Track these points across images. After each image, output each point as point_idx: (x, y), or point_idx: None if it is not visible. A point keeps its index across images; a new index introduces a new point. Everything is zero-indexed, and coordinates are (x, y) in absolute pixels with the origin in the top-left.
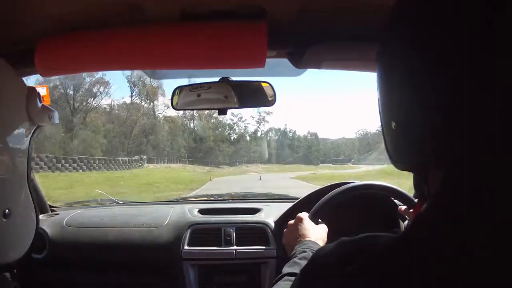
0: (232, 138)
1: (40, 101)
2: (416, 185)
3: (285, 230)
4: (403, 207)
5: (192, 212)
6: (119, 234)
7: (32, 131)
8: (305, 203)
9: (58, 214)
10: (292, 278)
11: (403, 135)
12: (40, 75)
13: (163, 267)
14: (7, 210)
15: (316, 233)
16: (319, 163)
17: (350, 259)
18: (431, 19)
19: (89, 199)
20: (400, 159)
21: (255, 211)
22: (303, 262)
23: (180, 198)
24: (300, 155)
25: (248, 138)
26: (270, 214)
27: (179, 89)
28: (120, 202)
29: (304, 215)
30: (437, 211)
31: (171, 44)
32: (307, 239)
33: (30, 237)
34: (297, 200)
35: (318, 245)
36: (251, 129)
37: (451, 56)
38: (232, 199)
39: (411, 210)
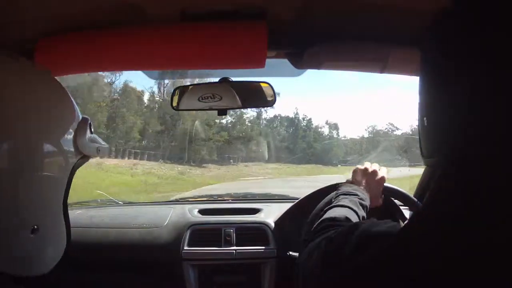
0: (224, 122)
1: (91, 132)
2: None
3: (359, 170)
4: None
5: (192, 213)
6: (119, 235)
7: (78, 158)
8: (305, 203)
9: None
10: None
11: (432, 130)
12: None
13: (163, 267)
14: (36, 226)
15: (375, 195)
16: (337, 163)
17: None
18: (470, 36)
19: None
20: (429, 155)
21: (255, 211)
22: (357, 202)
23: (180, 198)
24: (318, 151)
25: (248, 124)
26: (270, 214)
27: (179, 89)
28: (120, 202)
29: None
30: (437, 208)
31: (171, 45)
32: (359, 186)
33: (58, 255)
34: (297, 200)
35: (363, 192)
36: (251, 114)
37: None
38: (232, 199)
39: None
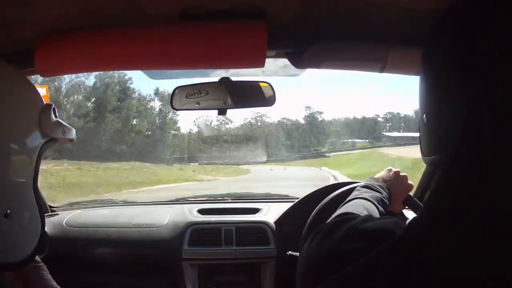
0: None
1: (56, 116)
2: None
3: (387, 170)
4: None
5: (192, 212)
6: (119, 234)
7: (44, 141)
8: (305, 203)
9: (58, 214)
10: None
11: (432, 128)
12: (40, 75)
13: (163, 267)
14: (8, 211)
15: (398, 193)
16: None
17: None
18: (472, 36)
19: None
20: (430, 153)
21: (255, 211)
22: (378, 197)
23: (180, 198)
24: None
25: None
26: (270, 214)
27: (179, 89)
28: (120, 202)
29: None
30: (437, 209)
31: (171, 44)
32: (394, 190)
33: (35, 238)
34: (297, 200)
35: (386, 191)
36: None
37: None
38: (231, 199)
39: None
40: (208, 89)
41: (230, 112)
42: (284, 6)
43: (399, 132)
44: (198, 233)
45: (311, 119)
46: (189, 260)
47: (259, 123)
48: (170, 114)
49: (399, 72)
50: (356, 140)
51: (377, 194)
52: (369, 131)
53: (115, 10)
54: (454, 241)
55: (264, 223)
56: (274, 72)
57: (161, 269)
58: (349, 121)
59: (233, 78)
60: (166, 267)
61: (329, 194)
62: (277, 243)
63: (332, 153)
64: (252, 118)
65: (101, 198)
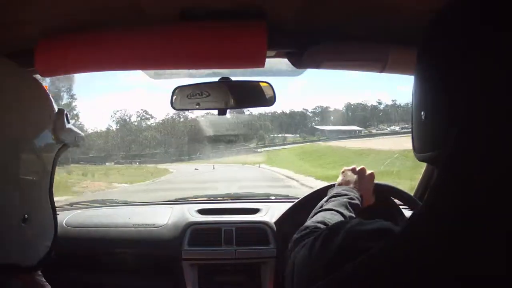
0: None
1: (68, 122)
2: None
3: (342, 173)
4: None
5: (192, 212)
6: (119, 234)
7: (59, 146)
8: (305, 203)
9: (58, 214)
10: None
11: (429, 125)
12: (40, 75)
13: (163, 267)
14: (26, 215)
15: (359, 183)
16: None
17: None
18: (468, 34)
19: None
20: (423, 149)
21: (254, 211)
22: (346, 204)
23: (180, 198)
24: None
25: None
26: (270, 214)
27: (179, 89)
28: (120, 202)
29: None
30: (437, 207)
31: (171, 44)
32: (349, 186)
33: (49, 242)
34: (297, 200)
35: (353, 191)
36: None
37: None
38: (231, 199)
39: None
40: (208, 89)
41: (152, 107)
42: (284, 6)
43: (329, 126)
44: (198, 233)
45: (237, 113)
46: (189, 260)
47: (181, 118)
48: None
49: (400, 72)
50: (286, 135)
51: (343, 199)
52: (297, 125)
53: (115, 10)
54: (453, 241)
55: (264, 223)
56: (274, 72)
57: (161, 269)
58: (277, 115)
59: (233, 78)
60: (166, 267)
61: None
62: (277, 243)
63: (263, 149)
64: (175, 113)
65: (101, 198)
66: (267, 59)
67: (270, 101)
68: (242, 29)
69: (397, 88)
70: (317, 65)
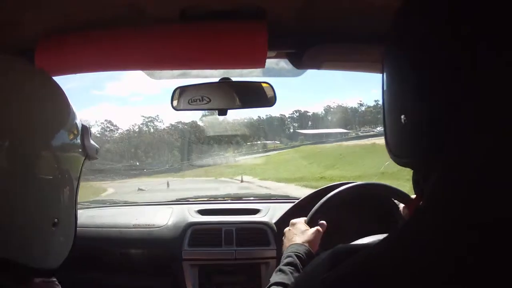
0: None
1: (91, 135)
2: (416, 181)
3: (283, 238)
4: (401, 206)
5: (192, 213)
6: (119, 235)
7: (84, 157)
8: (305, 204)
9: None
10: None
11: (411, 128)
12: None
13: (163, 267)
14: (56, 220)
15: (305, 236)
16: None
17: (341, 262)
18: (439, 20)
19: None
20: (404, 154)
21: (255, 211)
22: (287, 268)
23: (180, 199)
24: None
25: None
26: (270, 215)
27: (179, 89)
28: (120, 202)
29: (297, 220)
30: (433, 213)
31: (171, 44)
32: (295, 243)
33: (69, 246)
34: (297, 201)
35: (304, 246)
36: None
37: (457, 55)
38: (231, 200)
39: (403, 206)
40: (208, 90)
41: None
42: (285, 7)
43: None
44: (198, 234)
45: (211, 120)
46: (190, 260)
47: (150, 128)
48: None
49: None
50: (266, 141)
51: (284, 268)
52: (275, 131)
53: (115, 10)
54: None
55: (265, 224)
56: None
57: (162, 270)
58: (252, 121)
59: (234, 79)
60: (166, 267)
61: (326, 194)
62: (277, 243)
63: (241, 157)
64: (143, 124)
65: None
66: (267, 59)
67: (271, 101)
68: (243, 29)
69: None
70: (318, 65)
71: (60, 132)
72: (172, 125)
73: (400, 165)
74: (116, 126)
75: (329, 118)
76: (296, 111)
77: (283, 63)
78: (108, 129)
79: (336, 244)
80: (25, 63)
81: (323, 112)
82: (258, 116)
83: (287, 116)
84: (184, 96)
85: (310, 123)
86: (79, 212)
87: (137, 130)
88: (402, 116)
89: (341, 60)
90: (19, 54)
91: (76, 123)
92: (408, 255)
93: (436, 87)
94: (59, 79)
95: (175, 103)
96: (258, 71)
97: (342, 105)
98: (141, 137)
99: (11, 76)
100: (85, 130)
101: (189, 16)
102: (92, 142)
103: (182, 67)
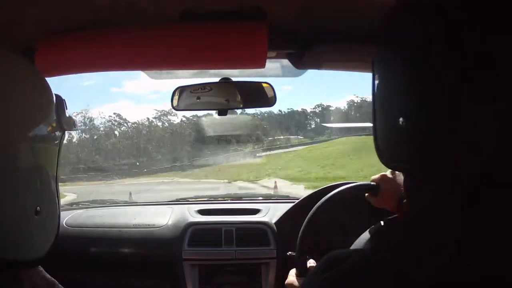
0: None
1: (67, 108)
2: (407, 185)
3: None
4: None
5: (192, 213)
6: (119, 235)
7: (61, 136)
8: (305, 204)
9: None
10: None
11: (411, 130)
12: None
13: (163, 267)
14: (38, 208)
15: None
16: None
17: (333, 266)
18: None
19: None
20: (398, 157)
21: (255, 211)
22: None
23: (180, 199)
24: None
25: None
26: (270, 215)
27: (179, 89)
28: (120, 202)
29: (289, 278)
30: (429, 218)
31: (171, 44)
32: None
33: (53, 235)
34: (297, 201)
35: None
36: None
37: (452, 57)
38: (231, 200)
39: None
40: (208, 89)
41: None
42: (285, 7)
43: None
44: (198, 234)
45: (231, 113)
46: (190, 260)
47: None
48: None
49: None
50: (290, 136)
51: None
52: (298, 126)
53: (115, 10)
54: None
55: (265, 224)
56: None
57: (162, 269)
58: (273, 115)
59: (234, 79)
60: (167, 267)
61: (326, 194)
62: (278, 243)
63: (264, 153)
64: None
65: (101, 198)
66: (267, 59)
67: (271, 101)
68: (243, 29)
69: None
70: (318, 65)
71: (40, 125)
72: (186, 118)
73: (390, 168)
74: (125, 119)
75: (352, 113)
76: (318, 105)
77: (283, 63)
78: (116, 123)
79: (336, 244)
80: (6, 52)
81: (346, 106)
82: (279, 110)
83: (309, 111)
84: (184, 97)
85: (332, 118)
86: (78, 212)
87: (147, 124)
88: (401, 119)
89: (341, 60)
90: (19, 54)
91: (50, 95)
92: (404, 255)
93: (437, 89)
94: (74, 76)
95: (175, 103)
96: (258, 70)
97: (366, 100)
98: (151, 132)
99: None
100: (59, 102)
101: (189, 16)
102: (68, 115)
103: (182, 67)
